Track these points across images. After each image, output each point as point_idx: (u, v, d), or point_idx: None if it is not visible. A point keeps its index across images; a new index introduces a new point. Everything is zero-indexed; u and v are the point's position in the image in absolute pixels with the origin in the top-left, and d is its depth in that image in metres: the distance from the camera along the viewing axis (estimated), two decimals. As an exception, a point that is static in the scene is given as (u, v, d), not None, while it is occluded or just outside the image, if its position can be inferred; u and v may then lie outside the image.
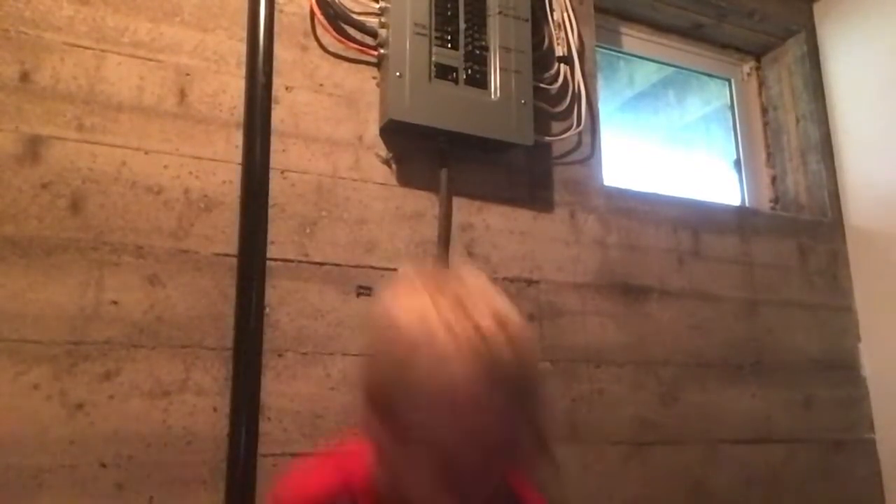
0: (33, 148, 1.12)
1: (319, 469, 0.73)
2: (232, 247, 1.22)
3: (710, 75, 2.18)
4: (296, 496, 0.69)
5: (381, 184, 1.39)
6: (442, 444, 0.54)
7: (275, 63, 1.31)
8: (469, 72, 1.42)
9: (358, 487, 0.66)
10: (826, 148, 2.03)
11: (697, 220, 1.75)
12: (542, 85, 1.57)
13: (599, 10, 1.80)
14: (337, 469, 0.70)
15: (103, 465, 1.07)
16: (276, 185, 1.28)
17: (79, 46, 1.18)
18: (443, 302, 0.56)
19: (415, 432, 0.55)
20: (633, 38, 2.00)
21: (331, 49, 1.39)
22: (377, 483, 0.65)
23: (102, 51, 1.20)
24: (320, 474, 0.71)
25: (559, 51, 1.62)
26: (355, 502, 0.66)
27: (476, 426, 0.53)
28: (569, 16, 1.64)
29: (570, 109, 1.63)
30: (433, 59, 1.38)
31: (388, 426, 0.57)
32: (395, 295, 0.60)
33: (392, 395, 0.57)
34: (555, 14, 1.63)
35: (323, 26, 1.38)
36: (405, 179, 1.41)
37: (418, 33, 1.37)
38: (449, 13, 1.42)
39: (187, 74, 1.26)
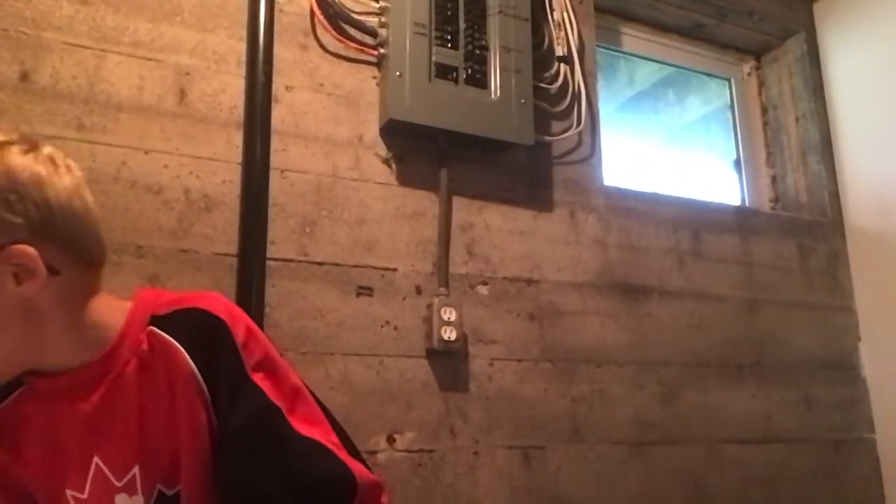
0: (33, 148, 1.12)
1: None
2: (232, 247, 1.22)
3: (710, 75, 2.18)
4: None
5: (381, 183, 1.39)
6: None
7: (275, 63, 1.31)
8: (469, 71, 1.42)
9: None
10: (826, 148, 2.03)
11: (697, 220, 1.75)
12: (542, 85, 1.57)
13: (599, 9, 1.80)
14: None
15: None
16: (276, 185, 1.28)
17: (79, 46, 1.18)
18: None
19: None
20: (633, 38, 2.00)
21: (331, 49, 1.39)
22: None
23: (102, 51, 1.20)
24: None
25: (559, 50, 1.61)
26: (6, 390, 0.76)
27: None
28: (569, 15, 1.64)
29: (570, 109, 1.63)
30: (433, 58, 1.38)
31: None
32: None
33: None
34: (555, 13, 1.63)
35: (323, 26, 1.38)
36: (405, 179, 1.41)
37: (418, 33, 1.37)
38: (449, 13, 1.42)
39: (187, 74, 1.26)
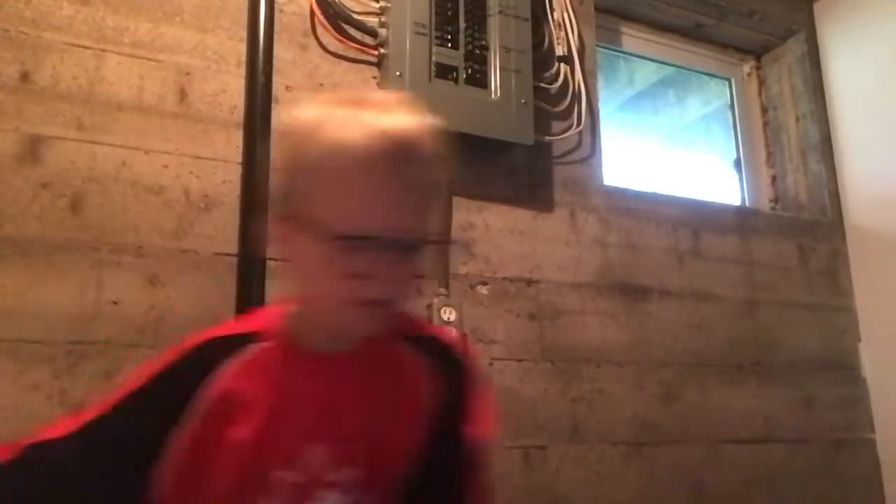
0: (33, 148, 1.12)
1: (228, 322, 0.77)
2: (232, 246, 1.22)
3: (710, 75, 2.18)
4: (202, 337, 0.70)
5: (381, 184, 1.38)
6: (350, 216, 0.59)
7: (275, 63, 1.31)
8: (469, 71, 1.41)
9: (268, 330, 0.69)
10: (826, 148, 2.03)
11: (697, 219, 1.75)
12: (542, 84, 1.57)
13: (599, 9, 1.80)
14: (245, 321, 0.74)
15: (103, 465, 1.07)
16: (276, 185, 1.28)
17: (79, 46, 1.18)
18: (341, 97, 0.66)
19: (324, 213, 0.60)
20: (633, 38, 2.00)
21: (331, 49, 1.39)
22: (290, 319, 0.69)
23: (102, 51, 1.20)
24: (228, 324, 0.74)
25: (559, 50, 1.62)
26: (262, 341, 0.69)
27: (376, 183, 0.58)
28: (569, 15, 1.64)
29: (570, 109, 1.63)
30: (433, 58, 1.38)
31: (302, 226, 0.61)
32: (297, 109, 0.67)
33: (298, 182, 0.63)
34: (555, 13, 1.63)
35: (323, 26, 1.38)
36: (405, 179, 1.41)
37: (418, 33, 1.37)
38: (449, 13, 1.42)
39: (187, 74, 1.26)
